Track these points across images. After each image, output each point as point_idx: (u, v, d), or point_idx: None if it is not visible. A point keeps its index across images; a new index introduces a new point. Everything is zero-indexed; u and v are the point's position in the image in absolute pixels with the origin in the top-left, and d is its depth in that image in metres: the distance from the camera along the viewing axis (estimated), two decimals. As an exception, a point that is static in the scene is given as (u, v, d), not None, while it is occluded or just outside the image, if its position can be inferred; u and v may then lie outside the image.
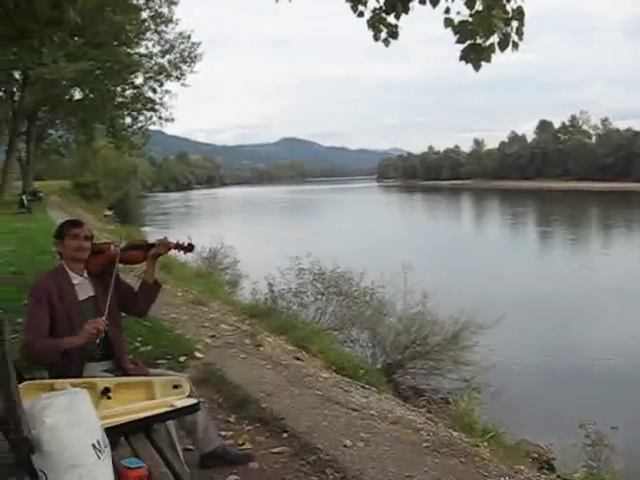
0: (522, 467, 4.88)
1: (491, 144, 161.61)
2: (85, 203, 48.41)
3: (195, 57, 41.15)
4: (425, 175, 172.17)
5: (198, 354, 6.14)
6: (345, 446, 4.30)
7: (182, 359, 5.96)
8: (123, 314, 3.83)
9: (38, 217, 27.73)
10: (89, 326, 3.34)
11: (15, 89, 40.44)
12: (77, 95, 43.20)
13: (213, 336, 7.00)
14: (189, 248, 3.77)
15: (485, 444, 5.11)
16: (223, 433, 4.29)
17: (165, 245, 3.73)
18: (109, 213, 45.47)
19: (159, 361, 5.69)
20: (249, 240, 30.01)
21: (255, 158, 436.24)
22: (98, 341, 3.41)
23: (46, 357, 3.38)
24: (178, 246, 3.76)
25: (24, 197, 32.12)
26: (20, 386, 2.91)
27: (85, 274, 3.65)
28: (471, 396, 6.78)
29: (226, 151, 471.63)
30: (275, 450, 4.26)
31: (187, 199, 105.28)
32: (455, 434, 5.11)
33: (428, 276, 15.65)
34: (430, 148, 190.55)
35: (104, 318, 3.39)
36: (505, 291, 19.25)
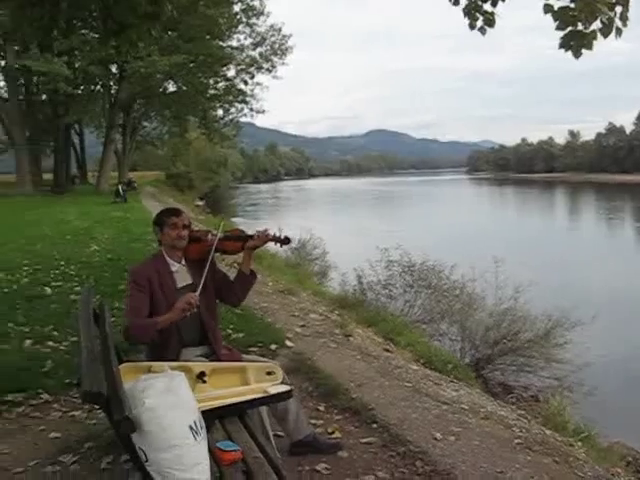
0: (619, 470, 4.71)
1: (587, 135, 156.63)
2: (177, 193, 48.99)
3: (286, 49, 41.52)
4: (517, 168, 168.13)
5: (288, 343, 6.23)
6: (435, 439, 4.25)
7: (273, 347, 6.04)
8: (218, 301, 3.91)
9: (133, 206, 28.34)
10: (181, 301, 3.42)
11: (112, 83, 41.92)
12: (171, 88, 44.64)
13: (303, 325, 7.08)
14: (286, 241, 3.80)
15: (579, 444, 4.95)
16: (313, 421, 4.31)
17: (263, 237, 3.77)
18: (200, 203, 45.82)
19: (250, 348, 5.78)
20: (338, 231, 30.19)
21: (344, 150, 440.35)
22: (188, 314, 3.48)
23: (146, 336, 3.47)
24: (275, 239, 3.79)
25: (120, 187, 32.86)
26: (120, 367, 3.02)
27: (183, 262, 3.74)
28: (563, 395, 6.59)
29: (315, 143, 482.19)
30: (364, 440, 4.25)
31: (276, 190, 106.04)
32: (548, 432, 4.97)
33: (520, 270, 15.21)
34: (523, 140, 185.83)
35: (197, 293, 3.47)
36: (600, 288, 18.61)
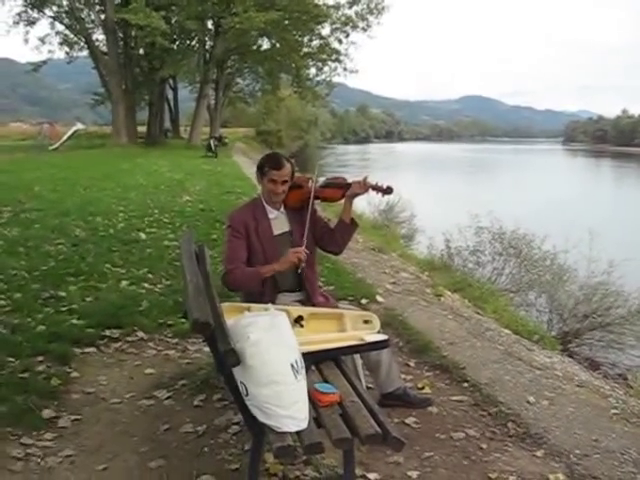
0: None
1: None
2: (267, 150, 48.04)
3: (382, 9, 40.74)
4: (616, 140, 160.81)
5: (379, 298, 6.22)
6: (528, 402, 4.17)
7: (364, 302, 6.04)
8: (318, 249, 3.89)
9: (224, 161, 28.64)
10: (291, 254, 3.43)
11: (207, 38, 42.26)
12: (265, 45, 44.49)
13: (394, 283, 7.06)
14: (388, 191, 3.71)
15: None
16: (403, 376, 4.29)
17: (363, 185, 3.69)
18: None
19: (340, 302, 5.79)
20: (426, 195, 29.35)
21: (435, 114, 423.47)
22: (300, 270, 3.52)
23: (247, 284, 3.50)
24: (376, 187, 3.70)
25: (211, 142, 32.77)
26: (222, 305, 3.06)
27: (282, 209, 3.73)
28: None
29: (406, 106, 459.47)
30: (455, 398, 4.21)
31: (365, 152, 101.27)
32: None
33: (615, 246, 14.66)
34: (624, 111, 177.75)
35: (304, 248, 3.47)
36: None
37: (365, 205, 16.75)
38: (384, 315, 5.50)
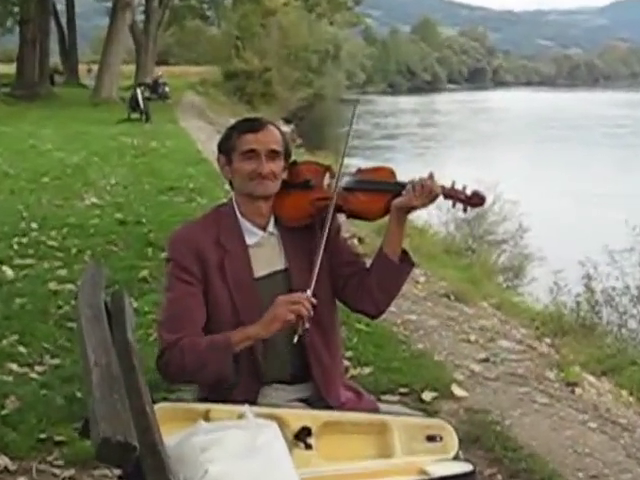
0: None
1: None
2: (244, 107, 30.54)
3: None
4: None
5: (457, 390, 4.16)
6: None
7: (428, 396, 3.89)
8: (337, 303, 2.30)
9: (163, 129, 17.93)
10: (283, 305, 1.95)
11: None
12: None
13: (486, 360, 4.77)
14: (473, 200, 2.14)
15: None
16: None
17: (428, 190, 2.09)
18: (287, 129, 25.85)
19: (383, 396, 3.76)
20: (547, 195, 17.83)
21: (563, 37, 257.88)
22: (297, 337, 1.95)
23: (204, 370, 2.02)
24: (453, 194, 2.13)
25: (139, 92, 19.99)
26: (155, 409, 1.80)
27: (271, 226, 2.18)
28: None
29: (509, 23, 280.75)
30: None
31: (430, 109, 59.72)
32: None
33: None
34: None
35: (309, 293, 1.97)
36: None
37: (431, 209, 9.93)
38: (467, 423, 3.61)
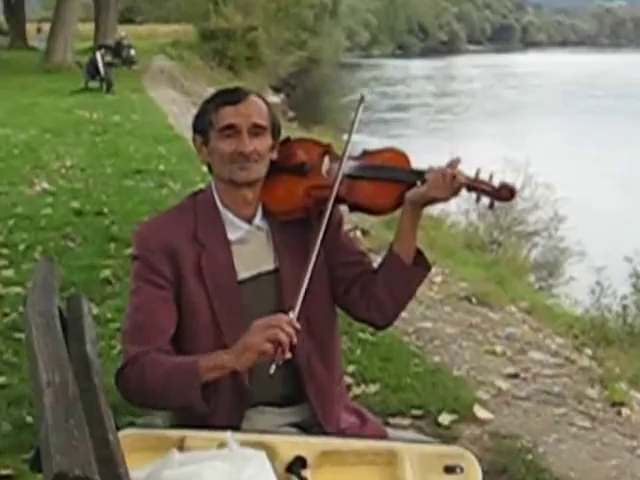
0: None
1: None
2: (226, 75, 26.57)
3: None
4: None
5: (481, 412, 3.64)
6: None
7: (445, 419, 3.47)
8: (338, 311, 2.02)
9: (127, 99, 16.03)
10: (258, 334, 1.66)
11: None
12: None
13: (514, 375, 4.13)
14: (501, 193, 1.82)
15: None
16: None
17: (449, 180, 1.79)
18: (277, 99, 24.79)
19: (392, 419, 3.34)
20: (586, 174, 16.07)
21: None
22: (273, 368, 1.65)
23: (168, 395, 1.76)
24: (478, 185, 1.83)
25: (98, 56, 17.65)
26: (120, 435, 1.59)
27: (258, 218, 1.90)
28: None
29: None
30: None
31: (447, 75, 52.75)
32: None
33: None
34: None
35: (292, 316, 1.69)
36: None
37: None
38: (493, 451, 3.21)
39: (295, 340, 1.62)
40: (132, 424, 1.89)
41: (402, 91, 36.88)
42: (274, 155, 1.86)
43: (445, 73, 54.25)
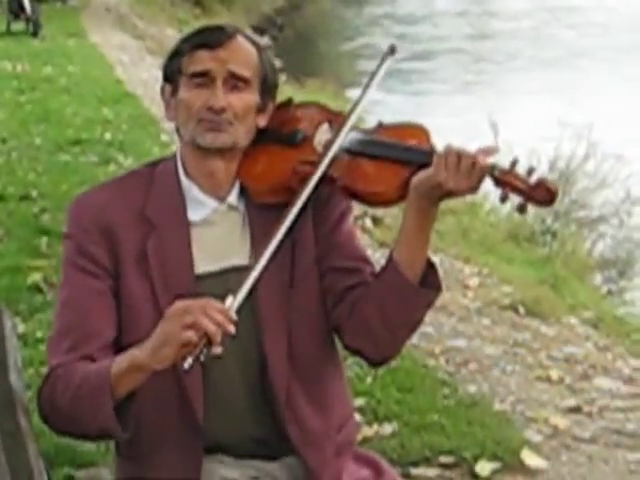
0: None
1: None
2: (192, 12, 21.93)
3: None
4: None
5: (531, 458, 3.00)
6: None
7: (485, 469, 2.87)
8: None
9: (60, 48, 13.25)
10: (172, 319, 1.30)
11: None
12: None
13: (576, 409, 3.53)
14: (539, 194, 1.40)
15: None
16: None
17: (469, 164, 1.37)
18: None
19: (414, 469, 2.84)
20: None
21: None
22: (188, 363, 1.29)
23: (79, 415, 1.40)
24: (508, 179, 1.41)
25: None
26: None
27: (234, 197, 1.55)
28: None
29: None
30: None
31: (485, 10, 33.74)
32: None
33: None
34: None
35: (228, 302, 1.32)
36: None
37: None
38: None
39: (231, 330, 1.28)
40: (71, 478, 1.83)
41: (426, 32, 29.33)
42: (262, 120, 1.53)
43: (483, 8, 42.69)
